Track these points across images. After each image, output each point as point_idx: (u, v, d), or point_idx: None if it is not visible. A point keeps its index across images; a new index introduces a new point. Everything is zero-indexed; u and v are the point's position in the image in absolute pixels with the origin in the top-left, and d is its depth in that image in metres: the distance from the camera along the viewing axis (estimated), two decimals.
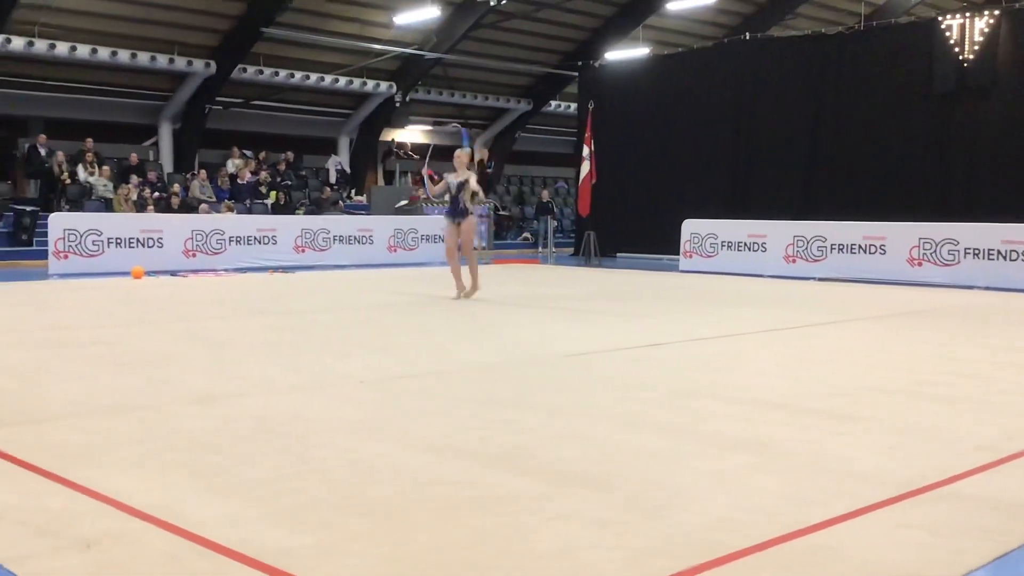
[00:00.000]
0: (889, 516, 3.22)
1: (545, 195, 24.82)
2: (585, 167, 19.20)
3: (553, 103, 29.28)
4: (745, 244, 16.33)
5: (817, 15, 27.70)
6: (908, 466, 3.84)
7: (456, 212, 10.87)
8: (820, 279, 14.78)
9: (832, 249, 15.20)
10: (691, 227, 17.17)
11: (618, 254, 20.38)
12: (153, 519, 3.08)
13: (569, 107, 28.33)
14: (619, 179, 20.22)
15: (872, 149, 17.03)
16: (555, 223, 23.02)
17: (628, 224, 20.28)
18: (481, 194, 10.91)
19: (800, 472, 3.74)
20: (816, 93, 17.97)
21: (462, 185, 10.72)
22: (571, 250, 21.92)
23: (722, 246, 16.66)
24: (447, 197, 10.98)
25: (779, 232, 15.92)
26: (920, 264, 14.21)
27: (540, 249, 22.96)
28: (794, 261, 15.62)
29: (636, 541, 2.95)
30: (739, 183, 19.07)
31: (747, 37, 19.91)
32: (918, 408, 5.01)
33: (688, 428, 4.47)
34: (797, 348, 7.35)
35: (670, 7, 24.31)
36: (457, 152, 11.04)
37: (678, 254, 17.37)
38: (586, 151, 19.18)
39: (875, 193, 16.65)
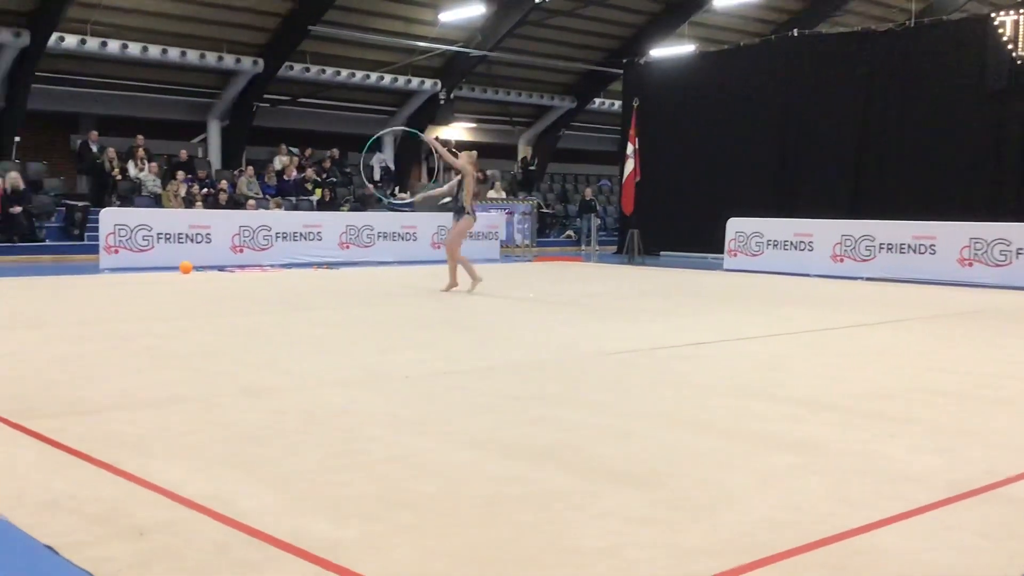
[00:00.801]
0: (938, 518, 3.19)
1: (588, 193, 24.76)
2: (629, 165, 19.14)
3: (597, 101, 29.20)
4: (791, 243, 16.18)
5: (867, 11, 27.33)
6: (958, 468, 3.78)
7: (455, 210, 11.31)
8: (868, 279, 14.60)
9: (881, 248, 15.01)
10: (736, 225, 17.04)
11: (661, 253, 20.29)
12: (204, 509, 3.14)
13: (613, 105, 28.23)
14: (663, 177, 20.09)
15: (922, 147, 16.75)
16: (599, 221, 22.97)
17: (672, 222, 20.15)
18: (465, 193, 11.12)
19: (847, 473, 3.70)
20: (865, 91, 17.71)
21: (460, 183, 11.11)
22: (614, 248, 21.86)
23: (768, 245, 16.52)
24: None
25: (826, 231, 15.74)
26: (971, 264, 13.98)
27: (583, 247, 22.93)
28: (842, 260, 15.45)
29: (681, 540, 2.94)
30: (786, 181, 18.86)
31: (795, 34, 19.70)
32: (968, 410, 4.94)
33: (733, 427, 4.45)
34: (845, 348, 7.26)
35: (717, 4, 24.12)
36: (463, 153, 11.27)
37: (722, 253, 17.25)
38: (630, 149, 19.11)
39: (925, 192, 16.37)
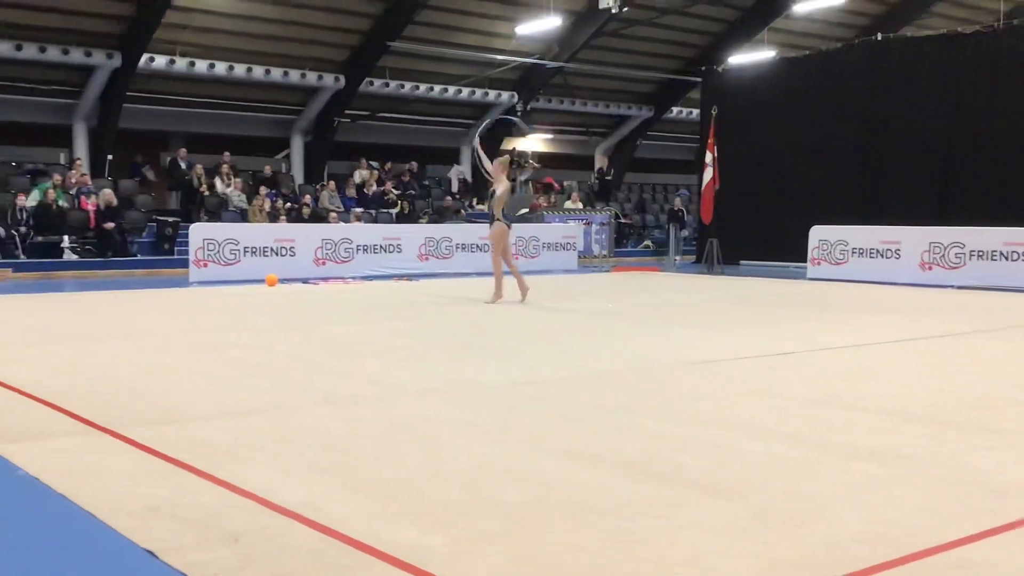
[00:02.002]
0: None
1: (678, 203, 24.59)
2: (708, 173, 18.94)
3: (675, 109, 29.02)
4: (877, 251, 15.82)
5: (952, 14, 26.64)
6: None
7: (489, 219, 11.40)
8: (958, 287, 14.19)
9: (971, 256, 14.58)
10: (819, 233, 16.74)
11: (741, 262, 20.02)
12: (295, 515, 3.21)
13: (691, 113, 28.02)
14: (743, 185, 19.83)
15: (1012, 151, 16.22)
16: (685, 232, 22.83)
17: (752, 231, 19.87)
18: (495, 201, 11.15)
19: (941, 485, 3.61)
20: (952, 94, 17.24)
21: (493, 193, 11.20)
22: (692, 258, 21.66)
23: (852, 253, 16.18)
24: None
25: (914, 238, 15.36)
26: None
27: (664, 257, 22.74)
28: (930, 268, 15.05)
29: (770, 551, 2.91)
30: (870, 188, 18.45)
31: (878, 38, 19.30)
32: None
33: (822, 438, 4.38)
34: (936, 358, 7.08)
35: (797, 9, 23.77)
36: (496, 160, 11.23)
37: (805, 261, 16.95)
38: (709, 157, 18.91)
39: (1016, 197, 15.83)
